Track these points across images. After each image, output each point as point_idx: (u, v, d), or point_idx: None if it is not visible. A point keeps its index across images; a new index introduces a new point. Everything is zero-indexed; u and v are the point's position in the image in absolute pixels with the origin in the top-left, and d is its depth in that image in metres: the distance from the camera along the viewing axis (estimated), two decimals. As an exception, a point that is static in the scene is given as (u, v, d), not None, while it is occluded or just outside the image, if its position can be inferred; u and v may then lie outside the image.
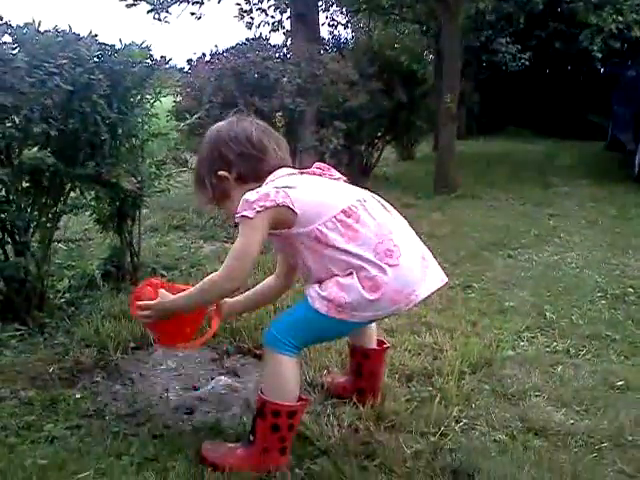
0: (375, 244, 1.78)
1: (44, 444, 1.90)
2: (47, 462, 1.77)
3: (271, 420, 1.78)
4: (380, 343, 2.25)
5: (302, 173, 1.97)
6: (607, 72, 10.76)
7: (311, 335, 1.90)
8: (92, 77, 2.74)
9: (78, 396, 2.21)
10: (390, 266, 1.76)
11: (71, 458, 1.82)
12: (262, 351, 2.54)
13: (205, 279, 1.85)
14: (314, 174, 1.98)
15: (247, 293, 2.24)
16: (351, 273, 1.76)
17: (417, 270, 1.85)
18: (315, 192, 1.86)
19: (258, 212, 1.73)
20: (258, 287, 2.24)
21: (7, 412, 2.06)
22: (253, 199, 1.75)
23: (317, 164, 2.05)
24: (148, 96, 3.34)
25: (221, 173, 1.93)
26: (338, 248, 1.77)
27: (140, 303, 1.92)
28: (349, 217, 1.79)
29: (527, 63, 10.81)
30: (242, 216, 1.74)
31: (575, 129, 12.23)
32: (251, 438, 1.84)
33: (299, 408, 1.85)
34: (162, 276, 3.52)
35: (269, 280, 2.23)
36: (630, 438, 2.03)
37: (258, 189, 1.81)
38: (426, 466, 1.87)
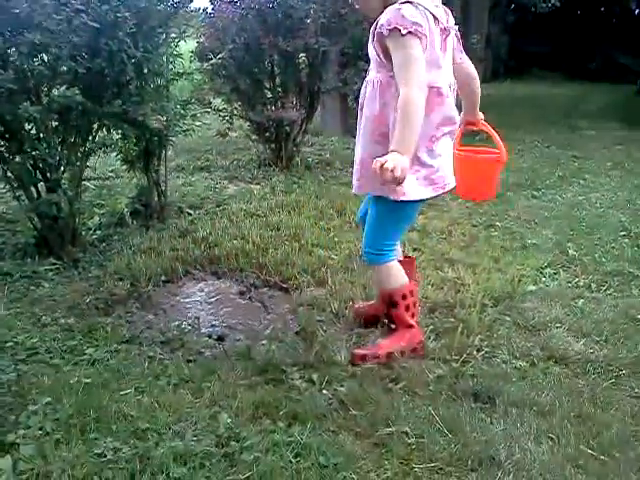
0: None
1: (86, 366, 2.02)
2: (90, 381, 1.89)
3: (402, 303, 2.16)
4: (407, 257, 2.43)
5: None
6: (641, 11, 10.36)
7: (399, 229, 2.19)
8: (118, 15, 2.75)
9: (114, 324, 2.32)
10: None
11: (112, 378, 1.93)
12: (289, 284, 2.66)
13: (400, 104, 1.80)
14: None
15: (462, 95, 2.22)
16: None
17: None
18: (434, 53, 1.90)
19: (411, 33, 1.80)
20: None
21: (50, 337, 2.18)
22: (397, 16, 1.81)
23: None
24: (173, 35, 3.34)
25: None
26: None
27: (376, 163, 1.75)
28: (439, 96, 1.92)
29: (557, 4, 10.40)
30: (394, 29, 1.81)
31: (606, 72, 11.87)
32: (392, 326, 2.22)
33: (414, 286, 2.22)
34: (189, 214, 3.59)
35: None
36: (647, 366, 2.08)
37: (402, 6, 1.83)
38: (448, 389, 1.95)
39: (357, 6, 2.21)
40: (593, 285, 2.73)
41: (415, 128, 1.82)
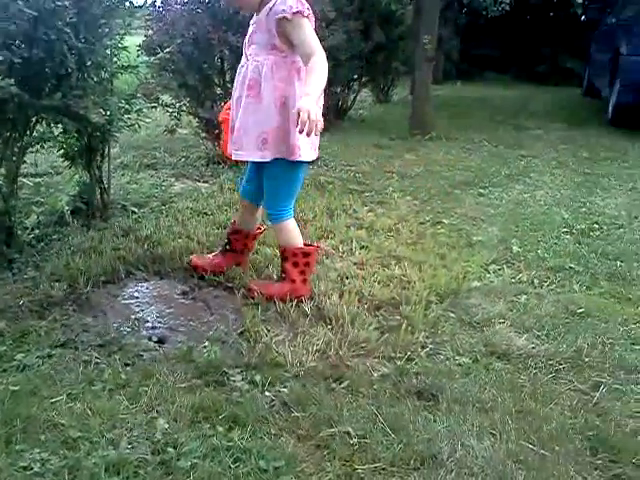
0: None
1: (15, 372, 1.92)
2: (19, 388, 1.80)
3: (292, 260, 2.46)
4: (258, 227, 2.74)
5: None
6: (587, 18, 10.67)
7: (284, 192, 2.45)
8: (57, 3, 2.63)
9: (49, 327, 2.22)
10: None
11: (43, 385, 1.84)
12: (234, 284, 2.61)
13: (310, 66, 2.14)
14: None
15: None
16: None
17: None
18: None
19: (307, 16, 2.18)
20: None
21: (-23, 342, 2.06)
22: (296, 2, 2.17)
23: None
24: (118, 28, 3.23)
25: None
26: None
27: (303, 115, 1.98)
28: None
29: (508, 8, 10.60)
30: (298, 13, 2.16)
31: (553, 75, 12.19)
32: (283, 275, 2.50)
33: (311, 250, 2.52)
34: (133, 213, 3.49)
35: None
36: (587, 360, 2.12)
37: None
38: (392, 388, 1.94)
39: (235, 4, 2.52)
40: (536, 281, 2.77)
41: (323, 83, 2.14)
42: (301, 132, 2.01)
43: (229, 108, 2.49)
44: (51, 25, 2.64)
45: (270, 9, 2.21)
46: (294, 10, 2.15)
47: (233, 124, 2.41)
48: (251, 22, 2.38)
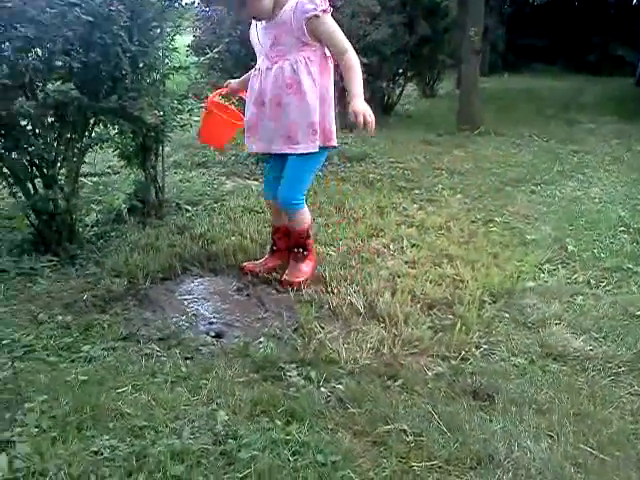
0: None
1: (83, 363, 2.01)
2: (87, 378, 1.88)
3: (309, 237, 2.68)
4: None
5: None
6: (639, 2, 10.31)
7: (309, 179, 2.62)
8: (112, 8, 2.71)
9: (111, 321, 2.31)
10: None
11: (109, 375, 1.92)
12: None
13: (347, 64, 2.33)
14: None
15: (250, 72, 2.67)
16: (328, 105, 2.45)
17: None
18: None
19: (330, 12, 2.31)
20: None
21: (47, 334, 2.17)
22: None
23: None
24: (168, 29, 3.31)
25: None
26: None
27: (360, 117, 2.23)
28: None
29: (554, -5, 10.37)
30: (324, 10, 2.27)
31: (604, 65, 11.85)
32: (305, 253, 2.67)
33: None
34: (187, 211, 3.58)
35: None
36: (647, 363, 2.07)
37: None
38: (447, 387, 1.94)
39: (247, 12, 2.45)
40: (592, 281, 2.73)
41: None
42: (365, 132, 2.27)
43: (220, 94, 2.74)
44: (106, 30, 2.73)
45: (294, 10, 2.31)
46: (323, 8, 2.28)
47: (255, 123, 2.53)
48: (261, 26, 2.45)
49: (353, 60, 2.35)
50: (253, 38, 2.53)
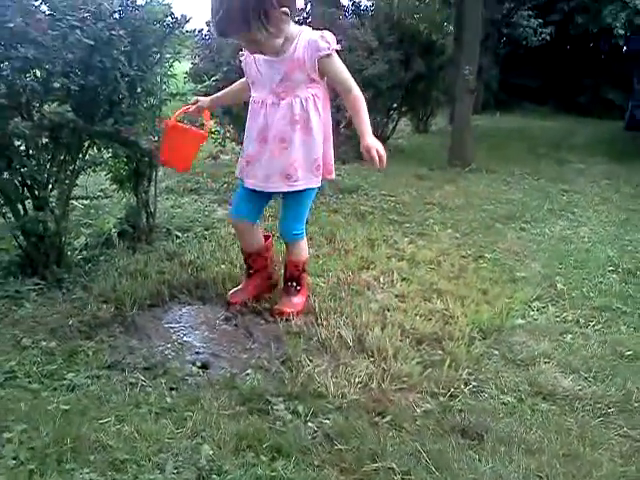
0: None
1: (65, 391, 1.96)
2: (69, 407, 1.84)
3: (304, 270, 2.70)
4: (266, 237, 2.82)
5: None
6: (629, 50, 10.58)
7: (307, 210, 2.64)
8: (113, 33, 2.74)
9: (97, 348, 2.27)
10: None
11: (92, 405, 1.88)
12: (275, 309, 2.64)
13: (357, 103, 2.37)
14: None
15: (224, 91, 2.76)
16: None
17: None
18: None
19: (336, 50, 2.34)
20: (232, 88, 2.73)
21: (30, 360, 2.12)
22: (332, 38, 2.32)
23: None
24: (167, 55, 3.34)
25: (284, 9, 2.22)
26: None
27: (375, 152, 2.29)
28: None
29: (548, 38, 10.62)
30: (335, 50, 2.31)
31: (594, 107, 12.08)
32: (298, 288, 2.68)
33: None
34: (177, 237, 3.56)
35: (240, 83, 2.66)
36: (636, 404, 2.06)
37: (322, 32, 2.33)
38: (436, 425, 1.92)
39: (259, 49, 2.36)
40: (581, 320, 2.73)
41: None
42: (378, 166, 2.30)
43: (184, 112, 2.67)
44: (106, 54, 2.75)
45: (307, 47, 2.31)
46: (334, 47, 2.33)
47: (255, 159, 2.49)
48: (264, 59, 2.38)
49: (360, 99, 2.39)
50: (250, 69, 2.49)
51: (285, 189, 2.48)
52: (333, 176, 2.61)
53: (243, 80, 2.60)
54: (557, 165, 6.78)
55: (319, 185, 2.53)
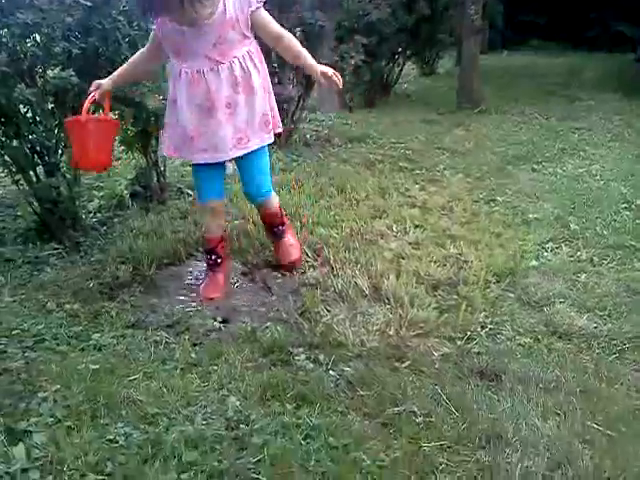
0: None
1: (93, 351, 2.02)
2: (98, 366, 1.90)
3: (281, 210, 2.69)
4: None
5: None
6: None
7: (269, 165, 2.53)
8: (111, -8, 2.70)
9: (119, 309, 2.32)
10: None
11: (120, 363, 1.94)
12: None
13: (291, 41, 2.33)
14: None
15: (123, 68, 2.48)
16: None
17: None
18: None
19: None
20: (133, 63, 2.46)
21: (56, 323, 2.18)
22: None
23: None
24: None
25: None
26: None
27: (333, 74, 2.33)
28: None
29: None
30: (264, 3, 2.24)
31: (603, 41, 11.74)
32: (283, 227, 2.68)
33: None
34: (188, 195, 3.58)
35: (142, 57, 2.43)
36: (652, 340, 2.10)
37: None
38: (454, 367, 1.96)
39: (188, 23, 2.16)
40: (595, 259, 2.74)
41: None
42: (340, 84, 2.35)
43: (91, 103, 2.39)
44: (105, 14, 2.71)
45: (236, 3, 2.19)
46: (260, 3, 2.24)
47: (197, 133, 2.29)
48: (186, 28, 2.18)
49: (294, 38, 2.36)
50: (171, 39, 2.23)
51: (240, 153, 2.34)
52: (279, 129, 2.46)
53: (143, 52, 2.39)
54: (567, 103, 6.66)
55: (272, 140, 2.42)
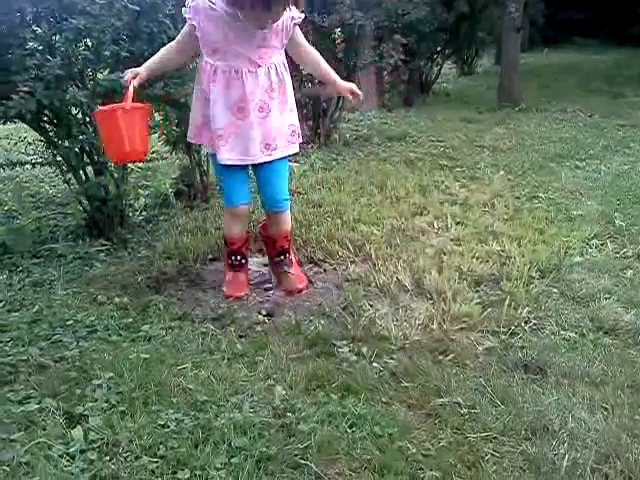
0: None
1: (143, 342, 2.09)
2: (149, 356, 1.96)
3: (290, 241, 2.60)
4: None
5: None
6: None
7: (288, 176, 2.54)
8: (157, -4, 2.78)
9: (166, 302, 2.39)
10: None
11: (169, 353, 2.00)
12: (334, 260, 2.69)
13: (317, 55, 2.43)
14: None
15: (156, 60, 2.38)
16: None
17: None
18: None
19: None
20: (166, 55, 2.39)
21: (107, 315, 2.26)
22: None
23: None
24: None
25: None
26: None
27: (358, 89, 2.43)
28: None
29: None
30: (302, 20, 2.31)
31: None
32: (291, 257, 2.56)
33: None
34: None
35: (173, 50, 2.37)
36: (702, 335, 2.05)
37: None
38: (498, 361, 1.96)
39: (272, 19, 2.19)
40: (642, 255, 2.69)
41: None
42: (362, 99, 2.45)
43: (115, 110, 2.24)
44: (152, 18, 2.80)
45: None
46: (302, 17, 2.33)
47: (230, 132, 2.29)
48: (238, 25, 2.18)
49: (318, 53, 2.44)
50: (213, 36, 2.22)
51: (267, 159, 2.35)
52: (301, 139, 2.49)
53: (173, 45, 2.36)
54: (611, 100, 6.54)
55: (297, 150, 2.46)
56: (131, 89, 2.22)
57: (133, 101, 2.24)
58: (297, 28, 2.33)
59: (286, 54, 2.36)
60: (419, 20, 5.93)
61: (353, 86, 2.43)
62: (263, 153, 2.34)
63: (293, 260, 2.58)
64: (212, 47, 2.25)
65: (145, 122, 2.37)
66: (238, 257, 2.54)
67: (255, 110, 2.28)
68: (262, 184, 2.47)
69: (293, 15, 2.26)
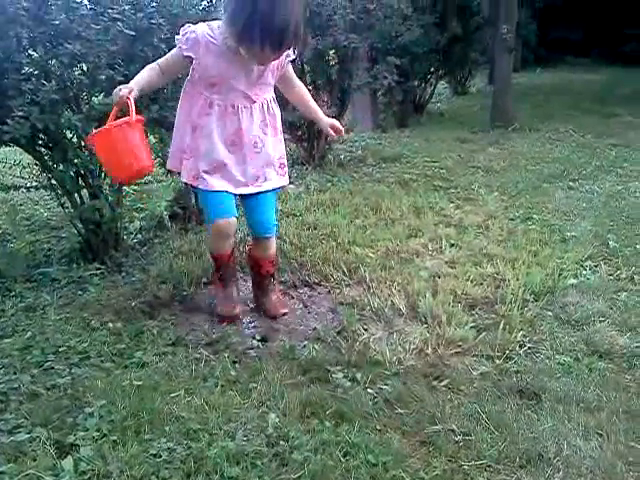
0: None
1: (136, 368, 2.07)
2: (141, 383, 1.94)
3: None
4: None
5: None
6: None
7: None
8: (152, 21, 2.81)
9: (160, 327, 2.37)
10: None
11: (162, 380, 1.99)
12: (328, 283, 2.69)
13: (304, 89, 2.50)
14: None
15: (146, 79, 2.29)
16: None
17: None
18: None
19: None
20: (154, 76, 2.31)
21: (100, 341, 2.24)
22: None
23: None
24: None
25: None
26: None
27: (340, 126, 2.51)
28: None
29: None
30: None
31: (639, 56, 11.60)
32: (275, 283, 2.60)
33: None
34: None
35: (156, 72, 2.31)
36: (697, 360, 2.05)
37: None
38: (493, 386, 1.95)
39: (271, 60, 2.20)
40: (636, 277, 2.70)
41: None
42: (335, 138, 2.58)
43: (112, 129, 2.17)
44: (148, 42, 2.82)
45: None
46: (296, 54, 2.36)
47: (222, 164, 2.28)
48: (240, 61, 2.16)
49: (305, 88, 2.53)
50: (214, 70, 2.19)
51: (257, 190, 2.36)
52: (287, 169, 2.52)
53: (157, 68, 2.29)
54: (603, 119, 6.59)
55: (287, 183, 2.51)
56: (132, 102, 2.15)
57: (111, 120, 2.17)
58: (289, 65, 2.36)
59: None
60: (413, 42, 5.99)
61: (335, 122, 2.49)
62: (253, 185, 2.36)
63: (276, 285, 2.62)
64: (210, 81, 2.22)
65: (144, 134, 2.35)
66: (227, 270, 2.54)
67: (249, 145, 2.30)
68: (250, 212, 2.47)
69: (288, 52, 2.24)
